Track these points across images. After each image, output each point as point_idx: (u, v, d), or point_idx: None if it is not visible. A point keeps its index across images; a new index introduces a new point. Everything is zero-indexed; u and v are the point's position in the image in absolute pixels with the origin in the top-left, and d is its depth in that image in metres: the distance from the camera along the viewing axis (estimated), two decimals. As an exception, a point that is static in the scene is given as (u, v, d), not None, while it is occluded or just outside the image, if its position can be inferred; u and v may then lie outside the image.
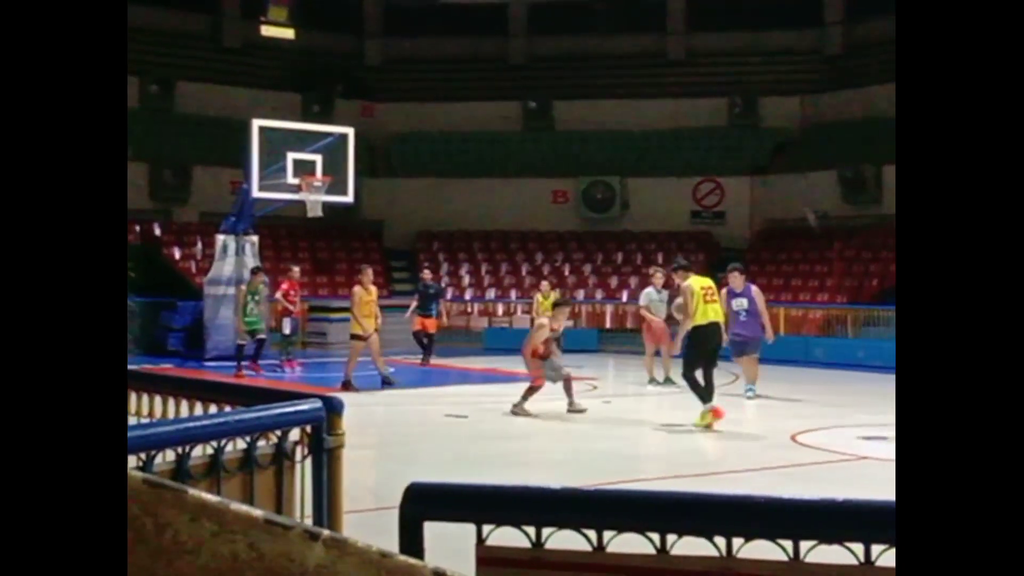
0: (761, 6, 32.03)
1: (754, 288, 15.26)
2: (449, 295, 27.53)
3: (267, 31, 32.36)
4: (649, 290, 17.21)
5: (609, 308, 26.95)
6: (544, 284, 20.55)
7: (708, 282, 12.67)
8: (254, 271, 18.79)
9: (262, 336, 18.19)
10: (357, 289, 16.27)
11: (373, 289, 16.39)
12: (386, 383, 15.82)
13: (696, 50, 32.79)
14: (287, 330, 19.13)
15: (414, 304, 20.63)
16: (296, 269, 20.79)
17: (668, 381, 16.11)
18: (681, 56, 33.00)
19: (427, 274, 21.86)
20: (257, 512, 1.08)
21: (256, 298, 18.15)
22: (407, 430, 12.67)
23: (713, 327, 12.17)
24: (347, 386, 15.35)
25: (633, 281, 28.72)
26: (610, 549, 2.33)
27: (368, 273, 16.54)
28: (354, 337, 16.09)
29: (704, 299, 12.15)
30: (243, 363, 17.89)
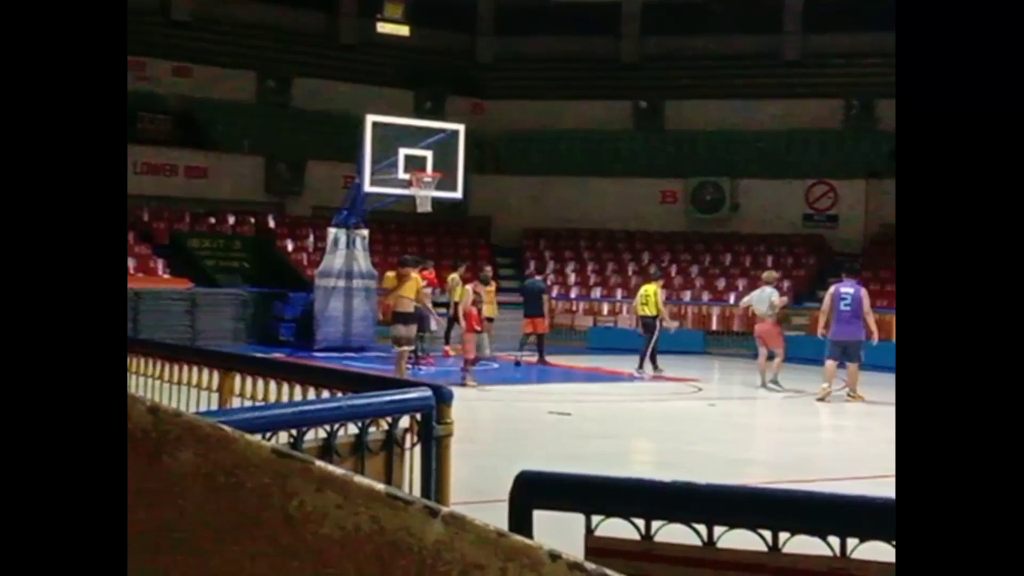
0: (879, 7, 31.24)
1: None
2: (555, 293, 27.49)
3: (382, 28, 32.77)
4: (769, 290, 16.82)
5: (716, 310, 26.65)
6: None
7: None
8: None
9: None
10: None
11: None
12: None
13: (812, 50, 32.21)
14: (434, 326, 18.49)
15: None
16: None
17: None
18: (796, 56, 32.44)
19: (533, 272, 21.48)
20: (379, 486, 1.11)
21: None
22: (511, 426, 12.71)
23: None
24: None
25: (741, 283, 28.34)
26: (720, 544, 2.31)
27: None
28: None
29: None
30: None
